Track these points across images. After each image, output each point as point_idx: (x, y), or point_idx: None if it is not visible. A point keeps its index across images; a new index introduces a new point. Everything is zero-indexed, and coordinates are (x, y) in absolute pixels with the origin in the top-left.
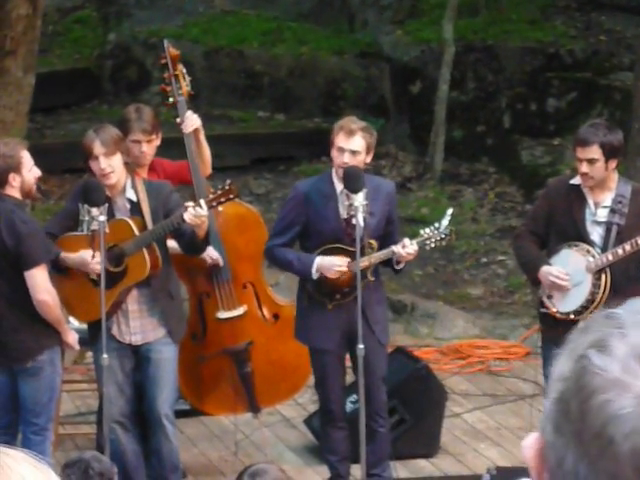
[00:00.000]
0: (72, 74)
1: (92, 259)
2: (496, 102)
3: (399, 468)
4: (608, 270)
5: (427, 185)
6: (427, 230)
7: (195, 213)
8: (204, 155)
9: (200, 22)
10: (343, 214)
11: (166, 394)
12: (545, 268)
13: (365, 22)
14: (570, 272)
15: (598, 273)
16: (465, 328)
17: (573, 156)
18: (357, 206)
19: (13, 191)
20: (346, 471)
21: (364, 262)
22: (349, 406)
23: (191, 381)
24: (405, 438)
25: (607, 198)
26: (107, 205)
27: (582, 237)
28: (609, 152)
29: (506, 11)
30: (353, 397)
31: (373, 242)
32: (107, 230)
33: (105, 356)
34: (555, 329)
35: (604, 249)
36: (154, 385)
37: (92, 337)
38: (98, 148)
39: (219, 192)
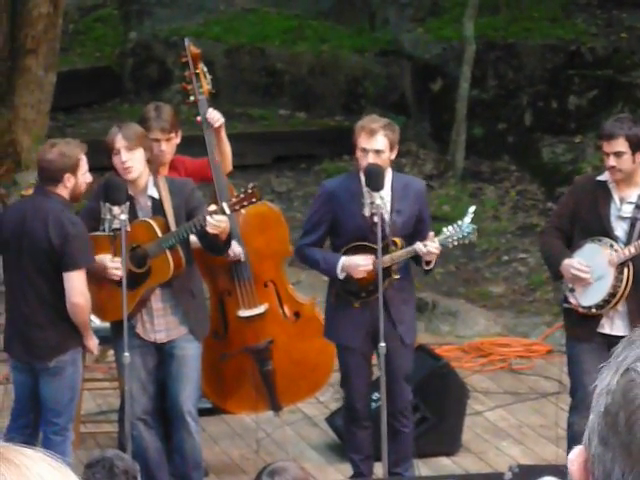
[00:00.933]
0: (93, 73)
1: (112, 262)
2: (517, 100)
3: (421, 466)
4: (631, 264)
5: (448, 183)
6: (450, 228)
7: (216, 223)
8: (225, 153)
9: (221, 20)
10: (366, 212)
11: (189, 391)
12: (567, 261)
13: (386, 20)
14: (593, 266)
15: (621, 267)
16: (486, 326)
17: (594, 154)
18: (379, 204)
19: (64, 191)
20: (369, 470)
21: (386, 260)
22: (372, 404)
23: (213, 379)
24: (427, 436)
25: (633, 194)
26: (129, 204)
27: (606, 232)
28: (635, 145)
29: (527, 9)
30: (376, 395)
31: (398, 240)
32: (129, 230)
33: (126, 354)
34: (579, 326)
35: (628, 244)
36: (177, 382)
37: (115, 335)
38: (120, 141)
39: (242, 195)
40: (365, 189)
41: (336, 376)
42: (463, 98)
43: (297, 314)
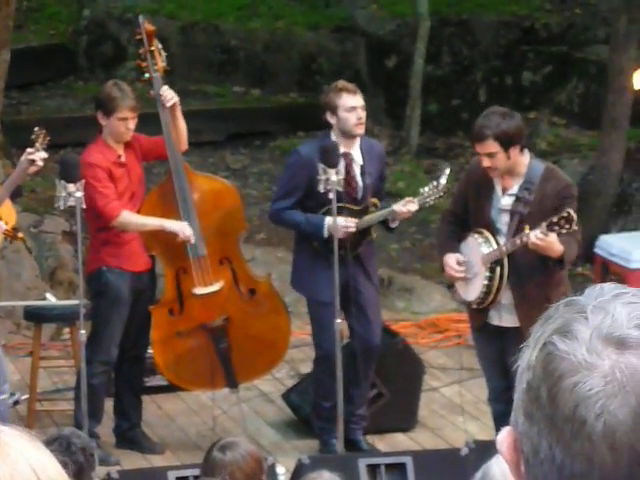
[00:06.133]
0: (47, 50)
1: None
2: (471, 76)
3: (377, 442)
4: (505, 260)
5: (403, 159)
6: (426, 188)
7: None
8: (180, 130)
9: None
10: (321, 189)
11: None
12: (445, 257)
13: None
14: (471, 261)
15: (494, 265)
16: (442, 302)
17: (548, 130)
18: (334, 180)
19: None
20: (336, 416)
21: (366, 221)
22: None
23: (169, 357)
24: (383, 412)
25: (515, 185)
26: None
27: (487, 225)
28: (506, 142)
29: None
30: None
31: (375, 201)
32: (84, 207)
33: (83, 332)
34: (472, 317)
35: (509, 237)
36: None
37: None
38: None
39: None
40: (320, 166)
41: (292, 353)
42: (418, 74)
43: (253, 291)
